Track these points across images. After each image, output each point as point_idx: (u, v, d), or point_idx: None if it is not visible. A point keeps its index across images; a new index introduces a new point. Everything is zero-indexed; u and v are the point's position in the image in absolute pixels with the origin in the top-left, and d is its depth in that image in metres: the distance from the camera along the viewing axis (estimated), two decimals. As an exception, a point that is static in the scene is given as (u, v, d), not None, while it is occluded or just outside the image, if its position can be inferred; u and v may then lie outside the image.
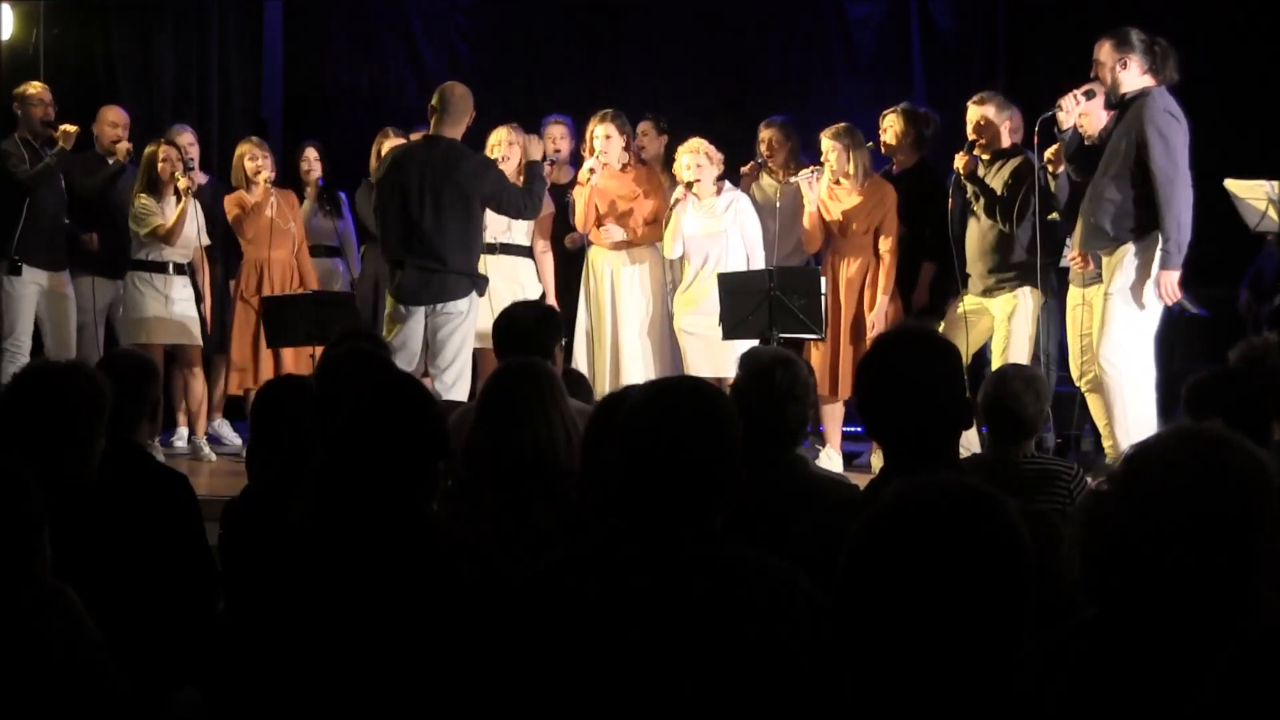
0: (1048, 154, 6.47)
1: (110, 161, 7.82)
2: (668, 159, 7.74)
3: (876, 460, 7.18)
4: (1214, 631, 1.74)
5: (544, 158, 7.45)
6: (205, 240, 7.80)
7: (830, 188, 7.22)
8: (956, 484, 1.88)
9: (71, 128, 7.50)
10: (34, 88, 7.64)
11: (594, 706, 2.31)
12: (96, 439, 3.49)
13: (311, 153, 8.33)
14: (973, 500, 1.84)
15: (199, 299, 7.79)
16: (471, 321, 6.71)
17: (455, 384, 6.61)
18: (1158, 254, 5.95)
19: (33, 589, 2.55)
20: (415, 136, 7.44)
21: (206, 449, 7.72)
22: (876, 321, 7.06)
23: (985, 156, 6.87)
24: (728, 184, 7.40)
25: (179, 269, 7.67)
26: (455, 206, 6.57)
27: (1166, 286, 5.96)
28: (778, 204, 7.34)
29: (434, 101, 6.71)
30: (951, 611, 1.77)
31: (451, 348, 6.61)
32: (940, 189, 7.37)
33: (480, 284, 6.74)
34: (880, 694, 1.81)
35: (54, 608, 2.58)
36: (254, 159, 7.84)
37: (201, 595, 3.74)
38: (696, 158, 7.26)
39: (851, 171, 7.14)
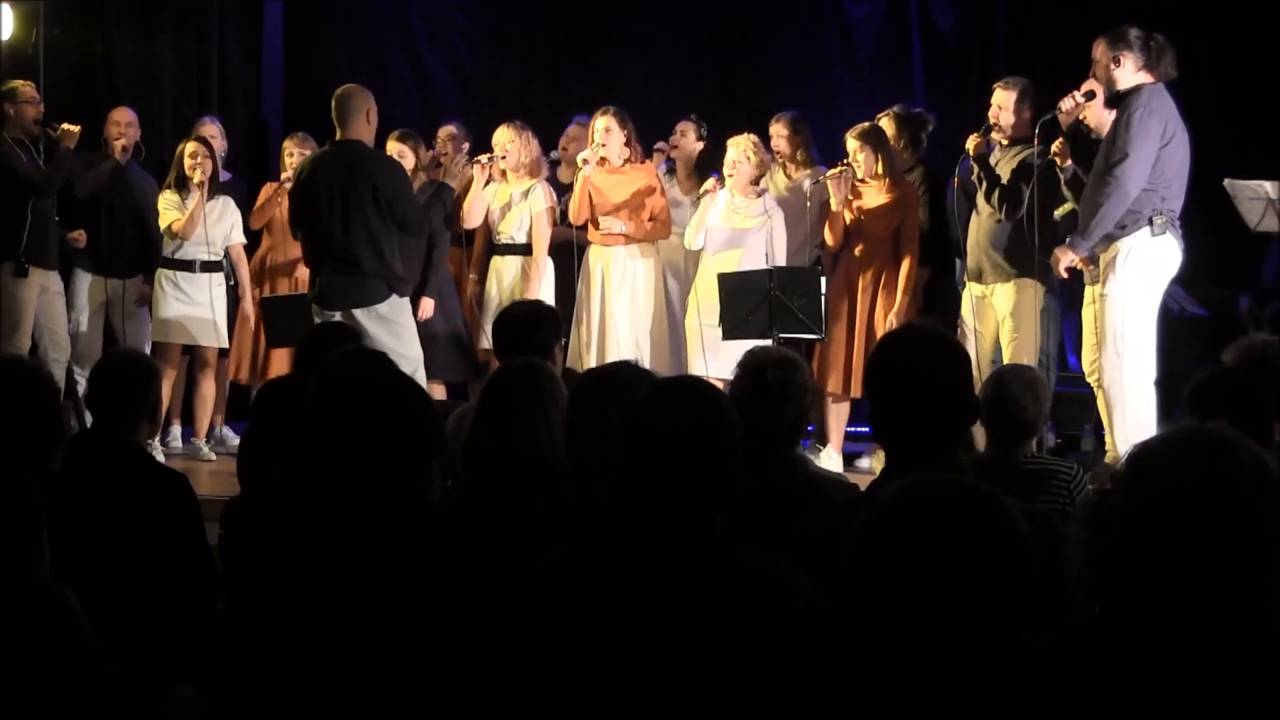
0: (1054, 146, 6.45)
1: (120, 163, 7.83)
2: (699, 163, 7.73)
3: (873, 462, 7.17)
4: (1217, 633, 1.74)
5: (551, 157, 7.58)
6: (241, 238, 7.82)
7: (855, 186, 7.21)
8: (957, 483, 1.88)
9: (73, 127, 7.49)
10: (22, 85, 7.61)
11: (594, 706, 2.31)
12: (56, 432, 3.51)
13: None
14: (974, 499, 1.83)
15: (239, 296, 7.80)
16: (404, 322, 6.66)
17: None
18: (1143, 237, 5.99)
19: (32, 588, 2.55)
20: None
21: (206, 449, 7.73)
22: (896, 321, 7.06)
23: (1004, 141, 6.86)
24: (769, 193, 7.38)
25: (207, 266, 7.69)
26: (364, 208, 6.50)
27: (1057, 262, 6.18)
28: (808, 201, 7.35)
29: (334, 107, 6.64)
30: (952, 611, 1.76)
31: (390, 352, 6.55)
32: (938, 191, 7.37)
33: (399, 286, 6.67)
34: (881, 694, 1.81)
35: (52, 607, 2.58)
36: (292, 155, 7.90)
37: (201, 595, 3.74)
38: (737, 153, 7.25)
39: (880, 171, 7.15)
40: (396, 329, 6.60)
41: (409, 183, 6.92)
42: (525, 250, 7.56)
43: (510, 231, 7.54)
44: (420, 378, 6.67)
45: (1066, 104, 6.28)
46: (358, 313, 6.52)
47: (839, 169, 7.20)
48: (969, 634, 1.77)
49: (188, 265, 7.65)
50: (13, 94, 7.54)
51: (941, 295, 7.37)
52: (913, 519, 1.82)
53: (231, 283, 7.86)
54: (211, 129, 8.06)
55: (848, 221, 7.23)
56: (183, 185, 7.64)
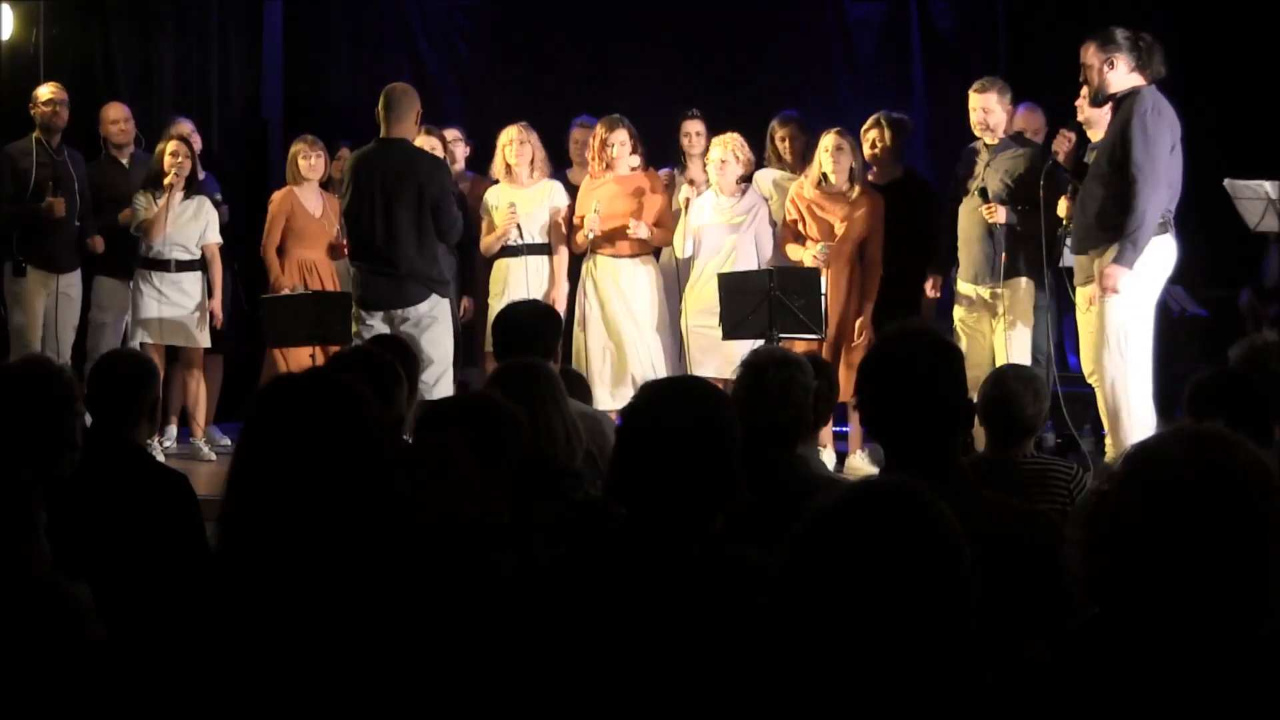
0: (1059, 156, 6.46)
1: (123, 162, 7.85)
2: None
3: (854, 459, 7.14)
4: (1218, 633, 1.74)
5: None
6: (217, 238, 7.81)
7: (820, 189, 7.18)
8: (881, 485, 1.91)
9: (59, 204, 7.45)
10: (49, 90, 7.64)
11: (593, 706, 2.31)
12: (67, 436, 3.50)
13: (345, 152, 8.36)
14: (899, 499, 1.85)
15: (210, 296, 7.81)
16: (443, 323, 6.67)
17: (436, 384, 6.53)
18: (1113, 248, 5.92)
19: (29, 587, 2.54)
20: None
21: (206, 449, 7.72)
22: (864, 328, 7.05)
23: (992, 142, 6.86)
24: (752, 187, 7.37)
25: (183, 266, 7.68)
26: (408, 209, 6.50)
27: (1110, 279, 5.91)
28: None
29: (380, 105, 6.63)
30: (881, 612, 1.79)
31: (425, 351, 6.52)
32: (933, 196, 7.35)
33: (440, 287, 6.67)
34: (815, 696, 1.83)
35: (50, 605, 2.57)
36: (306, 158, 7.90)
37: (201, 595, 3.73)
38: (724, 153, 7.24)
39: (852, 178, 7.10)
40: (433, 332, 6.60)
41: (452, 187, 6.89)
42: (541, 250, 7.55)
43: (529, 232, 7.53)
44: (447, 380, 6.68)
45: (1060, 144, 6.33)
46: (396, 314, 6.54)
47: (822, 249, 7.03)
48: (901, 632, 1.79)
49: (163, 265, 7.64)
50: (36, 98, 7.60)
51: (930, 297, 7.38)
52: (832, 522, 1.84)
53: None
54: (185, 128, 8.07)
55: (816, 229, 7.15)
56: (157, 185, 7.64)
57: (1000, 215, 6.68)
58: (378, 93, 6.80)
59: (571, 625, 2.34)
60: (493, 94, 9.60)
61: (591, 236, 7.32)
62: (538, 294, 7.20)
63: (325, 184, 8.16)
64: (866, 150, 7.32)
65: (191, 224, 7.69)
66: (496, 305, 7.20)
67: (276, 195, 8.10)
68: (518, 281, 7.47)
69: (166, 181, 7.55)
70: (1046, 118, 7.40)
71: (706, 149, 7.59)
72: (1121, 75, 6.02)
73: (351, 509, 2.36)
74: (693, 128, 7.78)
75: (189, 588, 3.68)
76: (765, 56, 9.60)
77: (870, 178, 7.31)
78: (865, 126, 7.38)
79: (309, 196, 7.98)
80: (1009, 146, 6.82)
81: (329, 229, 7.91)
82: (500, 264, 7.58)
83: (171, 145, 7.65)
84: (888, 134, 7.29)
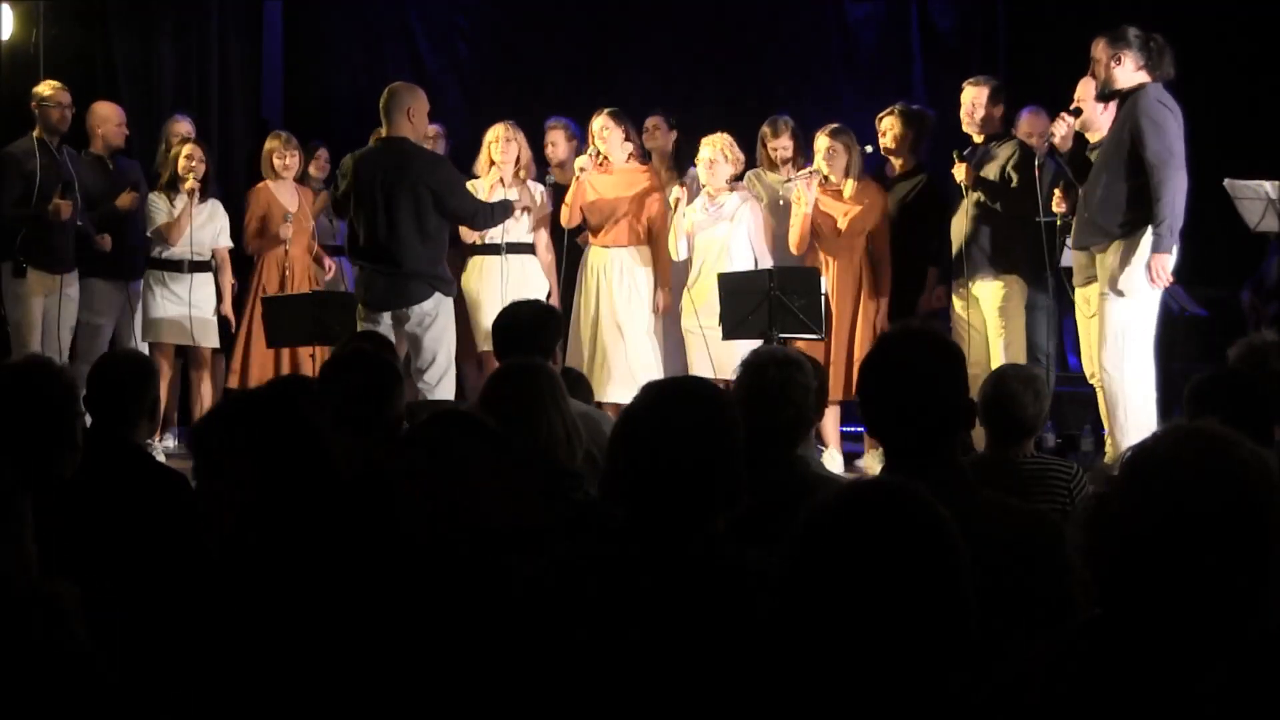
0: (1056, 139, 6.46)
1: (109, 164, 7.81)
2: (675, 155, 7.76)
3: (868, 461, 7.15)
4: (1220, 631, 1.74)
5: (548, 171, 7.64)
6: (228, 241, 7.84)
7: (822, 188, 7.20)
8: (877, 486, 1.91)
9: (66, 206, 7.44)
10: (51, 89, 7.63)
11: (593, 706, 2.31)
12: (67, 436, 3.49)
13: (323, 152, 8.40)
14: (888, 500, 1.85)
15: (219, 299, 7.82)
16: (445, 321, 6.66)
17: (439, 384, 6.56)
18: (1148, 237, 5.94)
19: (9, 588, 2.52)
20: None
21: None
22: (879, 324, 7.07)
23: (978, 139, 6.89)
24: (741, 185, 7.39)
25: (196, 267, 7.71)
26: (410, 207, 6.49)
27: (1158, 270, 5.96)
28: (780, 202, 7.34)
29: (381, 104, 6.63)
30: (880, 610, 1.80)
31: (428, 349, 6.56)
32: (939, 191, 7.37)
33: (443, 286, 6.66)
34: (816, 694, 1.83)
35: (37, 609, 2.55)
36: (281, 156, 7.90)
37: (201, 595, 3.73)
38: (713, 153, 7.25)
39: (849, 173, 7.13)
40: (436, 330, 6.59)
41: (459, 176, 6.89)
42: (523, 249, 7.53)
43: (517, 232, 7.51)
44: (450, 379, 6.68)
45: (1059, 128, 6.33)
46: (400, 314, 6.53)
47: (809, 170, 7.16)
48: (900, 632, 1.79)
49: (176, 265, 7.68)
50: (40, 97, 7.56)
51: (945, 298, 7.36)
52: (831, 523, 1.84)
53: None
54: (184, 126, 8.10)
55: (815, 223, 7.17)
56: (172, 187, 7.65)
57: (960, 172, 6.73)
58: (378, 93, 6.80)
59: (571, 625, 2.34)
60: (493, 94, 9.60)
61: (580, 172, 7.32)
62: (517, 293, 7.22)
63: (302, 180, 8.22)
64: (883, 142, 7.36)
65: (206, 227, 7.77)
66: (483, 302, 7.31)
67: (254, 189, 8.09)
68: (492, 281, 7.44)
69: (186, 187, 7.57)
70: (1050, 119, 7.41)
71: (664, 145, 7.77)
72: (1128, 72, 6.05)
73: (319, 513, 2.41)
74: (649, 123, 7.88)
75: (189, 588, 3.69)
76: (765, 56, 9.59)
77: (895, 170, 7.38)
78: (880, 115, 7.42)
79: (283, 193, 7.97)
80: (992, 141, 6.89)
81: (303, 227, 7.91)
82: (474, 261, 7.55)
83: (187, 149, 7.68)
84: (898, 126, 7.30)
